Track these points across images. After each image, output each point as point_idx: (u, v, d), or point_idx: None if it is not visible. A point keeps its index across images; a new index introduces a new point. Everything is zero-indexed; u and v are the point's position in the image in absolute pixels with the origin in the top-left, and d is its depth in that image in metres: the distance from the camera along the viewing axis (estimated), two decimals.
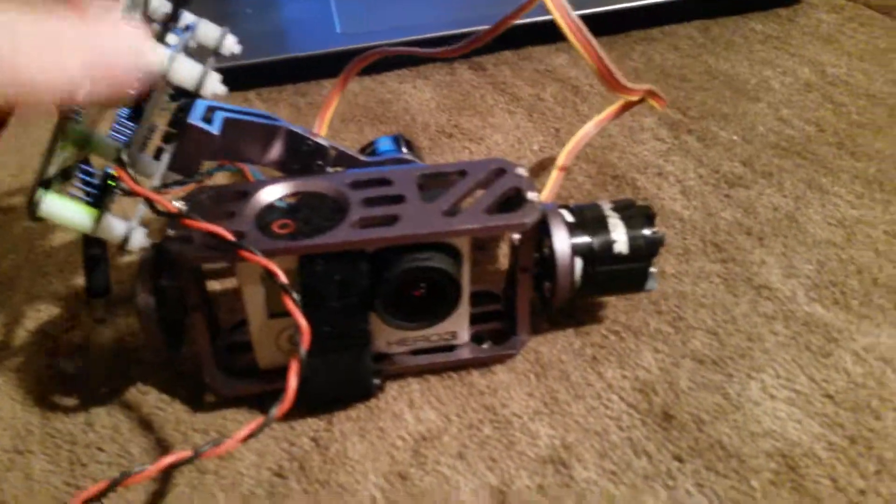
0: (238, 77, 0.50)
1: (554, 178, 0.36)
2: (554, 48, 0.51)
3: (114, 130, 0.29)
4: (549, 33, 0.52)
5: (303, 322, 0.23)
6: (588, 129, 0.38)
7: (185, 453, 0.22)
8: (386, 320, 0.26)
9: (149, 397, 0.29)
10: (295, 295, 0.23)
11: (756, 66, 0.48)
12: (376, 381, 0.27)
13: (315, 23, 0.52)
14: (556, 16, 0.30)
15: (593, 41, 0.31)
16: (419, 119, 0.45)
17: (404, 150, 0.35)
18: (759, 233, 0.35)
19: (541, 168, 0.41)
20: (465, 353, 0.29)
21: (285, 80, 0.49)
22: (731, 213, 0.36)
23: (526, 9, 0.33)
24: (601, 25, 0.51)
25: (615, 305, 0.31)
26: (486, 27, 0.36)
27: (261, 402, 0.28)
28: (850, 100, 0.44)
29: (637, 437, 0.26)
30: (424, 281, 0.26)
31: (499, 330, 0.30)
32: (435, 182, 0.29)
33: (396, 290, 0.26)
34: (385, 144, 0.36)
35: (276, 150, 0.32)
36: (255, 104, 0.48)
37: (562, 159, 0.37)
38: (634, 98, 0.35)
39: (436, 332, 0.28)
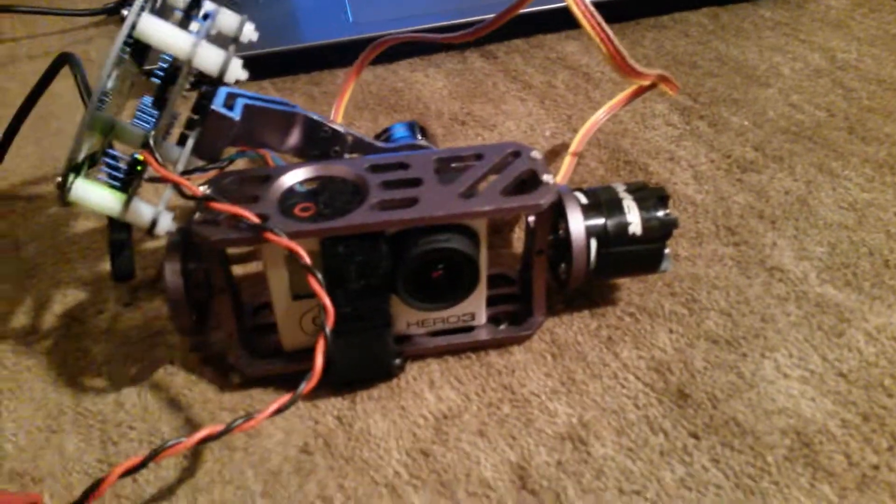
0: (252, 66, 0.50)
1: (567, 163, 0.37)
2: (564, 35, 0.52)
3: (137, 117, 0.29)
4: (559, 21, 0.52)
5: (328, 302, 0.24)
6: (600, 115, 0.38)
7: (218, 427, 0.22)
8: (406, 301, 0.27)
9: (176, 378, 0.29)
10: (319, 276, 0.24)
11: (766, 52, 0.48)
12: (397, 362, 0.28)
13: (327, 12, 0.52)
14: (569, 0, 0.31)
15: (605, 26, 0.31)
16: (432, 107, 0.45)
17: (419, 136, 0.36)
18: (771, 216, 0.35)
19: (553, 154, 0.41)
20: (482, 334, 0.29)
21: (299, 69, 0.50)
22: (743, 197, 0.37)
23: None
24: (612, 13, 0.51)
25: (629, 287, 0.32)
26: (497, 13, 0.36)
27: (285, 382, 0.28)
28: (861, 85, 0.44)
29: (653, 414, 0.27)
30: (443, 262, 0.27)
31: (515, 312, 0.31)
32: (451, 165, 0.29)
33: (416, 272, 0.26)
34: (400, 131, 0.36)
35: (294, 137, 0.33)
36: (270, 93, 0.48)
37: (575, 145, 0.37)
38: (646, 83, 0.35)
39: (454, 314, 0.29)
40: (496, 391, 0.28)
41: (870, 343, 0.29)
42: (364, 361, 0.27)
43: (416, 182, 0.27)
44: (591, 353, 0.29)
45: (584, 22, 0.31)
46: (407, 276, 0.26)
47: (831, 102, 0.43)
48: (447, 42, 0.37)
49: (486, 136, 0.43)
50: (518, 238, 0.35)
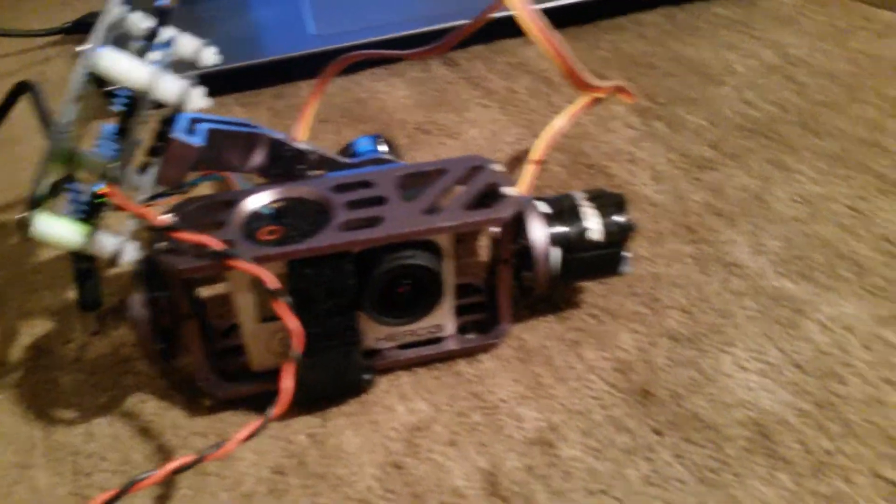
0: (215, 82, 0.50)
1: (529, 170, 0.37)
2: (524, 41, 0.52)
3: (98, 145, 0.29)
4: (519, 25, 0.53)
5: (296, 325, 0.24)
6: (560, 122, 0.39)
7: (189, 457, 0.23)
8: (373, 318, 0.28)
9: (147, 405, 0.29)
10: (286, 299, 0.24)
11: (720, 50, 0.49)
12: (367, 377, 0.29)
13: (288, 25, 0.52)
14: (520, 17, 0.31)
15: (559, 40, 0.32)
16: (396, 117, 0.46)
17: (383, 149, 0.36)
18: (728, 213, 0.37)
19: (517, 160, 0.42)
20: (451, 345, 0.30)
21: (262, 83, 0.50)
22: (701, 196, 0.38)
23: (495, 9, 0.34)
24: (569, 16, 0.52)
25: (593, 290, 0.33)
26: (459, 23, 0.37)
27: (257, 403, 0.29)
28: (812, 80, 0.46)
29: (618, 414, 0.28)
30: (409, 278, 0.27)
31: (482, 320, 0.31)
32: (415, 181, 0.30)
33: (382, 289, 0.27)
34: (364, 145, 0.37)
35: (258, 157, 0.33)
36: (234, 109, 0.48)
37: (535, 153, 0.38)
38: (602, 95, 0.36)
39: (422, 326, 0.29)
40: (466, 400, 0.29)
41: (824, 333, 0.30)
42: (334, 379, 0.28)
43: (380, 200, 0.28)
44: (558, 356, 0.30)
45: (538, 39, 0.31)
46: (373, 293, 0.27)
47: (784, 98, 0.44)
48: (410, 58, 0.38)
49: (450, 145, 0.43)
50: (483, 246, 0.36)
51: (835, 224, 0.35)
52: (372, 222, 0.27)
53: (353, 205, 0.28)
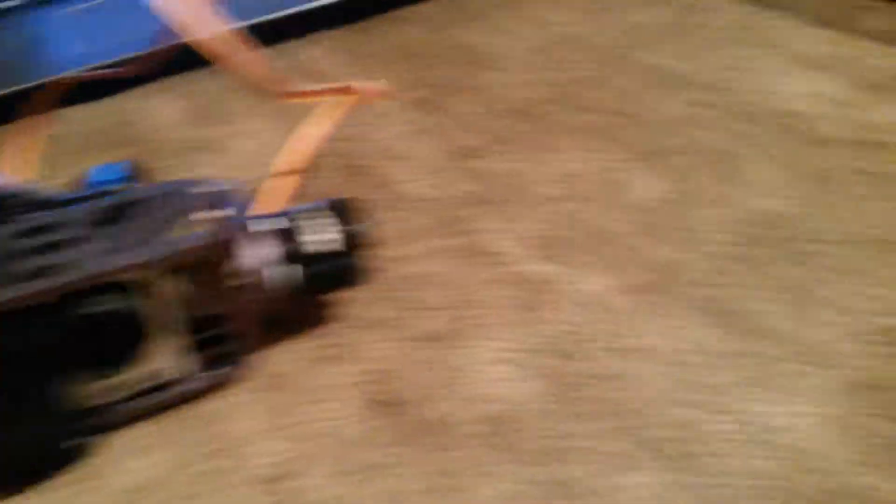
0: None
1: (288, 182, 0.35)
2: (306, 41, 0.50)
3: None
4: (301, 26, 0.51)
5: None
6: (321, 129, 0.37)
7: None
8: (76, 375, 0.24)
9: None
10: None
11: (497, 35, 0.49)
12: (78, 441, 0.25)
13: (31, 54, 0.47)
14: (199, 43, 0.29)
15: (249, 50, 0.30)
16: (162, 136, 0.43)
17: (122, 178, 0.33)
18: (491, 201, 0.36)
19: (285, 170, 0.40)
20: (187, 385, 0.27)
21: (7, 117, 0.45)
22: (468, 186, 0.37)
23: (175, 36, 0.32)
24: (351, 12, 0.51)
25: (349, 302, 0.31)
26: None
27: None
28: (576, 55, 0.46)
29: (365, 430, 0.26)
30: (101, 326, 0.24)
31: (227, 352, 0.29)
32: (118, 214, 0.27)
33: (74, 342, 0.24)
34: (101, 175, 0.33)
35: None
36: None
37: (295, 163, 0.36)
38: (313, 100, 0.34)
39: (149, 372, 0.27)
40: (205, 444, 0.26)
41: (573, 312, 0.30)
42: (34, 452, 0.25)
43: (64, 243, 0.25)
44: (306, 378, 0.28)
45: (221, 61, 0.29)
46: (63, 348, 0.24)
47: (552, 77, 0.45)
48: (116, 77, 0.35)
49: (219, 161, 0.41)
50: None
51: (589, 199, 0.36)
52: (48, 271, 0.24)
53: (32, 252, 0.24)
